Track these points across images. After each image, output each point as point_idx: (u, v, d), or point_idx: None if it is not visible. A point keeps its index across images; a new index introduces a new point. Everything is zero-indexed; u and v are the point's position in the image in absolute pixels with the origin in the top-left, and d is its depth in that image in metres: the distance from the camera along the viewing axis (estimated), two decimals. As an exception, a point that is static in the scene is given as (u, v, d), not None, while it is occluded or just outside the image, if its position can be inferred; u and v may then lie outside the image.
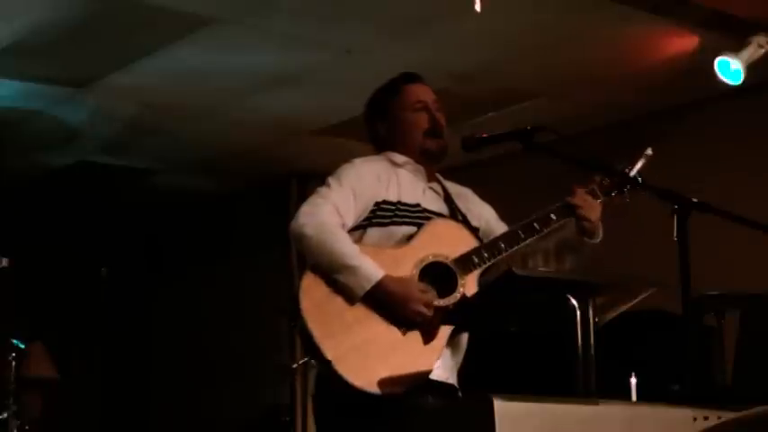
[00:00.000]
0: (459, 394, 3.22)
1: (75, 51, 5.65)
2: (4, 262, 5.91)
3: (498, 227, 3.36)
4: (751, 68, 5.30)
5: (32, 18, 5.22)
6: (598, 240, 3.25)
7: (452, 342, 3.18)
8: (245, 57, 5.74)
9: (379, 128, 3.41)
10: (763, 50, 5.29)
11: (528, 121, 3.25)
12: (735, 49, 5.30)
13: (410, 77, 3.44)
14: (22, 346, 6.37)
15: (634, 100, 6.30)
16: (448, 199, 3.37)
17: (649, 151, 3.27)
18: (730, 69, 5.34)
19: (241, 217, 8.63)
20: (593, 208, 3.21)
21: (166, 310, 9.22)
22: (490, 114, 6.51)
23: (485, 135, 3.23)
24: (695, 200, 2.87)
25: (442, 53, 5.63)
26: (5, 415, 6.15)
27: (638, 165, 3.26)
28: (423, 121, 3.35)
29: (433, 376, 3.09)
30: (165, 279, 9.25)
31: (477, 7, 4.72)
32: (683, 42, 5.53)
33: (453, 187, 3.45)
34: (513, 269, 2.94)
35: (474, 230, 3.30)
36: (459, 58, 5.74)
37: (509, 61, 5.78)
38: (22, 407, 6.36)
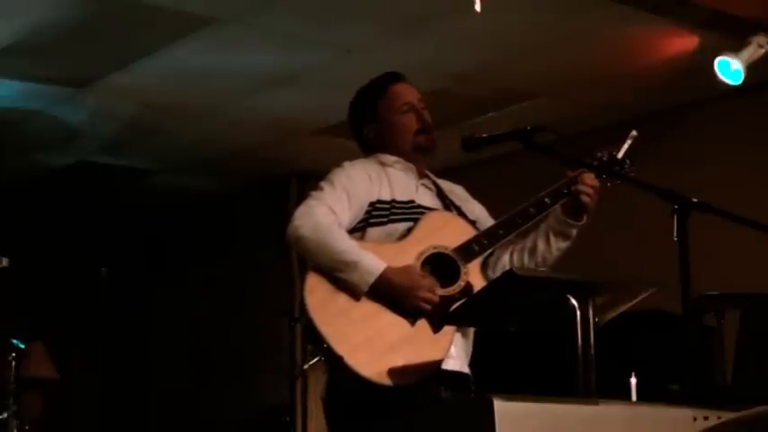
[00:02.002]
0: (473, 386, 3.23)
1: (75, 51, 5.65)
2: (4, 262, 5.91)
3: (489, 224, 3.37)
4: (751, 68, 5.31)
5: (32, 18, 5.22)
6: (583, 223, 3.26)
7: (463, 331, 3.19)
8: (245, 57, 5.74)
9: (367, 131, 3.40)
10: (763, 50, 5.29)
11: (528, 121, 3.25)
12: (735, 49, 5.30)
13: (393, 77, 3.43)
14: (22, 346, 6.38)
15: (634, 100, 6.30)
16: (440, 194, 3.38)
17: (634, 132, 3.29)
18: (730, 69, 5.34)
19: (241, 217, 8.63)
20: (591, 181, 3.22)
21: (166, 309, 9.22)
22: (490, 114, 6.51)
23: (485, 135, 3.23)
24: (695, 200, 2.87)
25: (442, 53, 5.64)
26: (5, 415, 6.15)
27: (625, 146, 3.28)
28: (411, 122, 3.36)
29: (447, 366, 3.10)
30: (165, 279, 9.25)
31: (478, 7, 4.72)
32: (683, 42, 5.53)
33: (445, 184, 3.46)
34: (513, 269, 2.95)
35: (470, 221, 3.31)
36: (459, 58, 5.74)
37: (509, 61, 5.78)
38: (22, 407, 6.36)
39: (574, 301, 2.79)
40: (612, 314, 3.05)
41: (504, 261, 3.32)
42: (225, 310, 8.56)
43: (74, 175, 8.02)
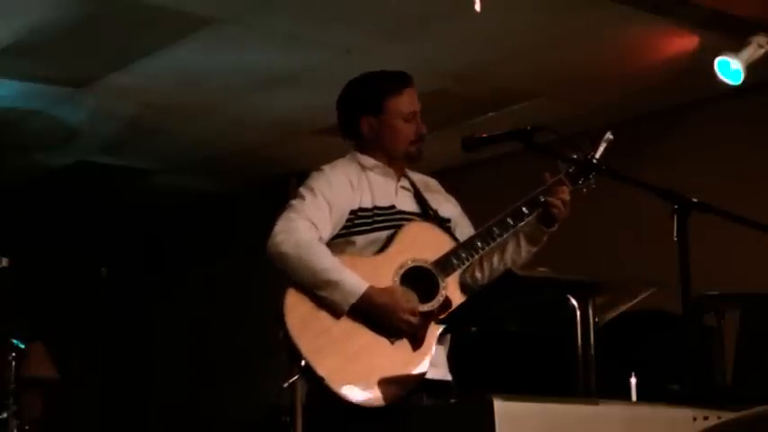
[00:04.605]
0: (454, 392, 3.23)
1: (75, 51, 5.65)
2: (4, 262, 5.91)
3: (462, 221, 3.39)
4: (751, 68, 5.30)
5: (32, 18, 5.22)
6: (554, 229, 3.26)
7: (442, 339, 3.20)
8: (245, 57, 5.73)
9: (364, 123, 3.32)
10: (763, 50, 5.29)
11: (528, 121, 3.25)
12: (735, 49, 5.29)
13: (407, 80, 3.36)
14: (22, 346, 6.37)
15: (634, 100, 6.29)
16: (418, 195, 3.38)
17: (609, 135, 3.28)
18: (730, 69, 5.34)
19: (241, 217, 8.62)
20: (563, 195, 3.22)
21: (166, 310, 9.22)
22: (490, 114, 6.51)
23: (485, 135, 3.23)
24: (695, 200, 2.87)
25: (442, 53, 5.63)
26: (5, 415, 6.15)
27: (600, 149, 3.26)
28: (411, 132, 3.32)
29: (430, 375, 3.10)
30: (165, 279, 9.25)
31: (477, 7, 4.72)
32: (683, 42, 5.53)
33: (420, 180, 3.45)
34: (514, 270, 2.95)
35: (446, 226, 3.31)
36: (458, 58, 5.74)
37: (509, 61, 5.77)
38: (22, 407, 6.35)
39: (574, 301, 2.79)
40: (612, 314, 3.05)
41: (477, 265, 3.33)
42: (225, 310, 8.56)
43: (74, 175, 8.02)
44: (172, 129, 7.01)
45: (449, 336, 3.26)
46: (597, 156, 3.23)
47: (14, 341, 6.31)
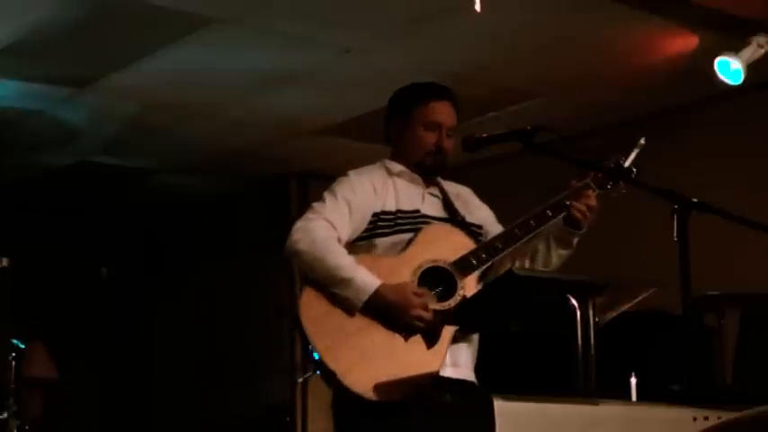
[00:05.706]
0: (478, 392, 3.23)
1: (76, 51, 5.65)
2: (4, 262, 5.91)
3: (495, 229, 3.36)
4: (751, 68, 5.30)
5: (32, 18, 5.22)
6: (583, 231, 3.25)
7: (468, 339, 3.20)
8: (245, 57, 5.74)
9: (393, 122, 3.40)
10: (763, 50, 5.29)
11: (528, 121, 3.25)
12: (735, 49, 5.30)
13: (439, 93, 3.38)
14: (22, 346, 6.37)
15: (634, 100, 6.30)
16: (447, 202, 3.37)
17: (642, 141, 3.27)
18: (730, 69, 5.34)
19: (241, 217, 8.63)
20: (588, 200, 3.22)
21: (166, 309, 9.22)
22: (490, 114, 6.51)
23: (485, 135, 3.22)
24: (695, 200, 2.87)
25: (442, 53, 5.63)
26: (5, 415, 6.14)
27: (633, 155, 3.26)
28: (429, 141, 3.33)
29: (454, 375, 3.12)
30: (165, 279, 9.26)
31: (477, 7, 4.72)
32: (683, 42, 5.53)
33: (452, 188, 3.45)
34: (514, 270, 2.95)
35: (472, 231, 3.30)
36: (458, 58, 5.74)
37: (509, 61, 5.78)
38: (22, 407, 6.35)
39: (574, 301, 2.79)
40: (612, 314, 3.05)
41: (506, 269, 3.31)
42: (224, 309, 8.56)
43: (74, 175, 8.02)
44: (172, 129, 7.01)
45: (476, 337, 3.27)
46: (628, 162, 3.23)
47: (14, 341, 6.31)
